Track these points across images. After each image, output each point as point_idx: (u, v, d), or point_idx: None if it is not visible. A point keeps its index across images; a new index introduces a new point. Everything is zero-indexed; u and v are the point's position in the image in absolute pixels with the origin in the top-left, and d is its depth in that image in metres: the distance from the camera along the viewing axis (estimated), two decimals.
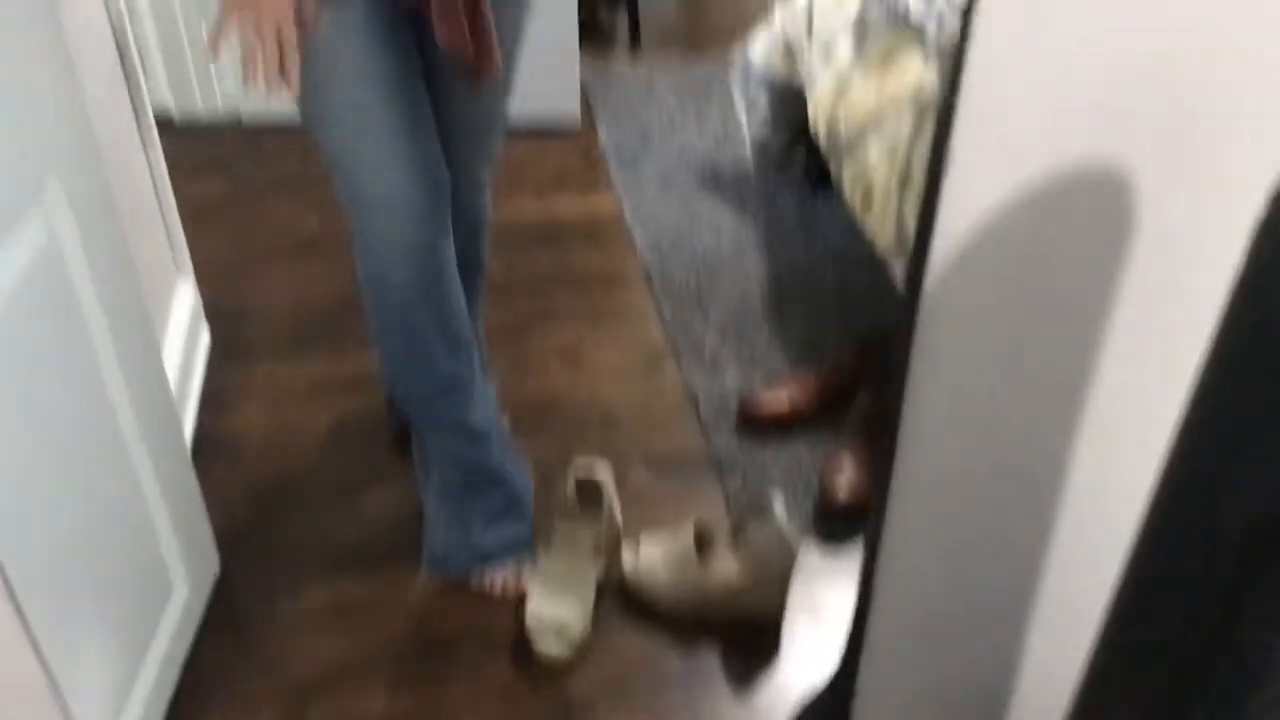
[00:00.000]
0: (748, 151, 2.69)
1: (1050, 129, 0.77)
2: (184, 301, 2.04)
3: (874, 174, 1.87)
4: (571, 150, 2.85)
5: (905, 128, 1.84)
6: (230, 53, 1.22)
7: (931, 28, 1.85)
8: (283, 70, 1.22)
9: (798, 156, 2.61)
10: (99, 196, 1.30)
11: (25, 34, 1.14)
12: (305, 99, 1.32)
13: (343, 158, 1.38)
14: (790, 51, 2.35)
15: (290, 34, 1.21)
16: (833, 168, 2.09)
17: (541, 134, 2.85)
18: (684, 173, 2.74)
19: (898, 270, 1.81)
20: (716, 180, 2.71)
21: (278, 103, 1.35)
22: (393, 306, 1.45)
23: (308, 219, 2.49)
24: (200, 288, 2.14)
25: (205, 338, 2.12)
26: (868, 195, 1.89)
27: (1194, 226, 0.72)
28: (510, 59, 1.46)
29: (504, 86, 1.50)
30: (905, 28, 1.93)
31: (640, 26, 3.34)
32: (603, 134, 2.90)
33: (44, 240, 1.16)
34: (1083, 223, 0.78)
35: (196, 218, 2.20)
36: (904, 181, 1.79)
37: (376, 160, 1.36)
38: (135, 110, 1.90)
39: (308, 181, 2.54)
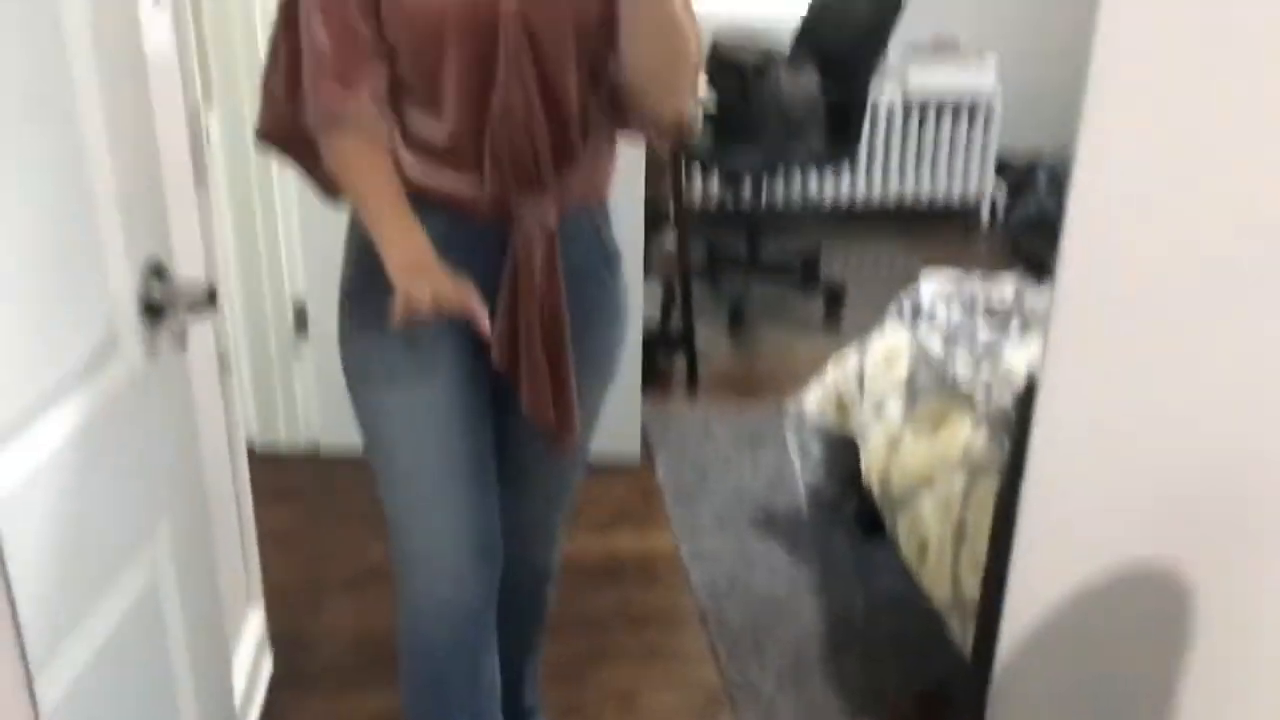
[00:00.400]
0: (801, 495, 2.77)
1: (1111, 523, 0.84)
2: (253, 629, 2.09)
3: (928, 529, 1.93)
4: (630, 487, 2.95)
5: (957, 486, 1.91)
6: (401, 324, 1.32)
7: (980, 395, 1.97)
8: (465, 308, 1.30)
9: (850, 504, 2.69)
10: (200, 537, 1.39)
11: (161, 377, 1.27)
12: (372, 450, 1.44)
13: (398, 514, 1.47)
14: (843, 404, 2.48)
15: (462, 290, 1.31)
16: (886, 518, 2.15)
17: (602, 470, 2.96)
18: (739, 513, 2.81)
19: (954, 624, 1.83)
20: (771, 522, 2.78)
21: (356, 436, 1.48)
22: (421, 664, 1.50)
23: (374, 548, 2.57)
24: (266, 614, 2.19)
25: (268, 666, 2.15)
26: (923, 549, 1.94)
27: (1254, 617, 0.76)
28: (589, 428, 1.57)
29: (580, 452, 1.60)
30: (954, 393, 2.05)
31: (698, 370, 3.53)
32: (661, 472, 3.01)
33: (144, 585, 1.23)
34: (1148, 613, 0.83)
35: (267, 545, 2.29)
36: (958, 538, 1.85)
37: (430, 527, 1.46)
38: (230, 440, 2.04)
39: (378, 510, 2.64)
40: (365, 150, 1.37)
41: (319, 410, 2.98)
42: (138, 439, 1.22)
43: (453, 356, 1.43)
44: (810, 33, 3.98)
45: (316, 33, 1.34)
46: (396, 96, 1.37)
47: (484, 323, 1.32)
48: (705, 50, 1.39)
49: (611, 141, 1.49)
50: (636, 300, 2.94)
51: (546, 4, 1.32)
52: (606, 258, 1.51)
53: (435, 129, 1.37)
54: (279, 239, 2.82)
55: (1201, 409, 0.90)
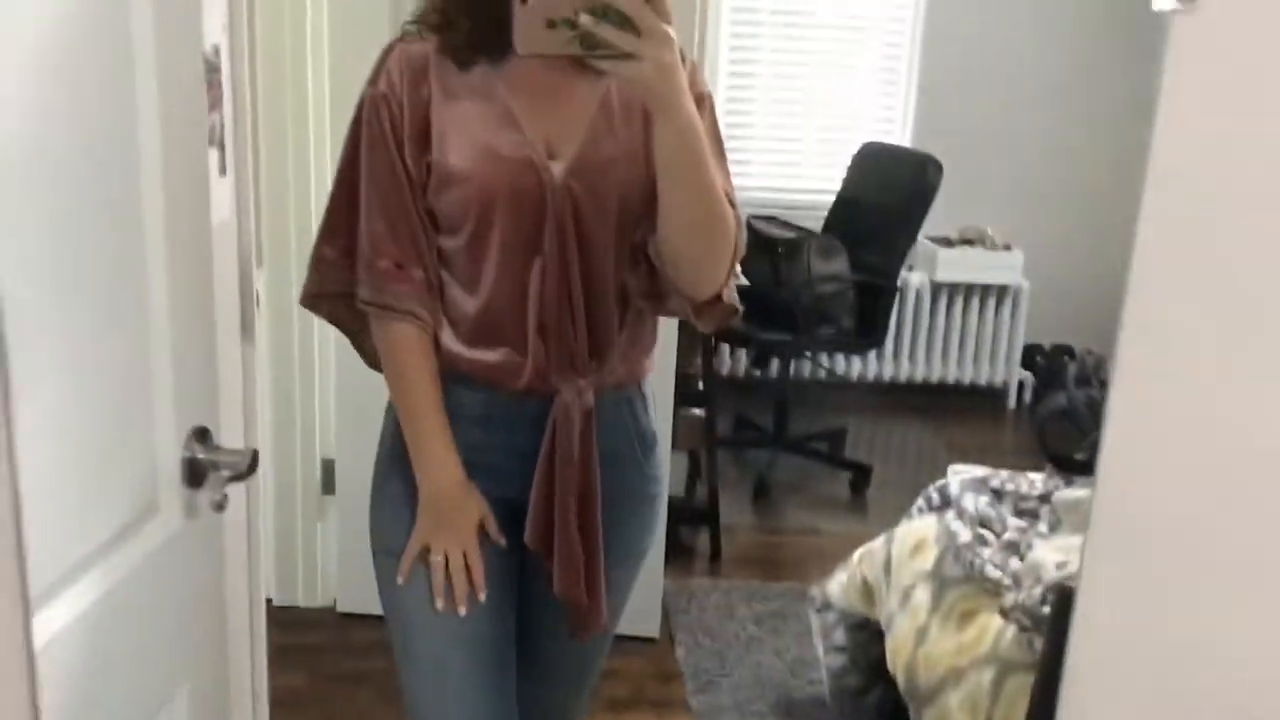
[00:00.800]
0: (824, 682, 2.71)
1: None
2: None
3: None
4: (649, 662, 2.90)
5: (986, 681, 1.87)
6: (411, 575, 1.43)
7: (1009, 589, 1.95)
8: (473, 585, 1.41)
9: (874, 693, 2.62)
10: (219, 703, 1.38)
11: (197, 539, 1.28)
12: (392, 624, 1.45)
13: (414, 694, 1.46)
14: (868, 590, 2.45)
15: (475, 555, 1.41)
16: (911, 711, 2.10)
17: (621, 644, 2.90)
18: (759, 698, 2.74)
19: None
20: (791, 708, 2.71)
21: (375, 600, 1.49)
22: None
23: (385, 714, 2.52)
24: None
25: None
26: None
27: None
28: (616, 613, 1.56)
29: (605, 639, 1.58)
30: (982, 586, 2.02)
31: (721, 545, 3.50)
32: (681, 650, 2.96)
33: None
34: None
35: (278, 708, 2.25)
36: None
37: (445, 713, 1.44)
38: (251, 599, 2.03)
39: (393, 676, 2.60)
40: (412, 338, 1.43)
41: (339, 569, 2.97)
42: (169, 600, 1.23)
43: (480, 538, 1.44)
44: (842, 217, 4.10)
45: (374, 216, 1.41)
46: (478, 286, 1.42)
47: (479, 575, 1.42)
48: (744, 234, 1.42)
49: (651, 325, 1.51)
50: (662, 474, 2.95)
51: (594, 175, 1.37)
52: (643, 442, 1.52)
53: (469, 304, 1.42)
54: (314, 397, 2.87)
55: (1247, 622, 0.89)
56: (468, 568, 1.41)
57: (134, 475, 1.15)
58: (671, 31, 1.19)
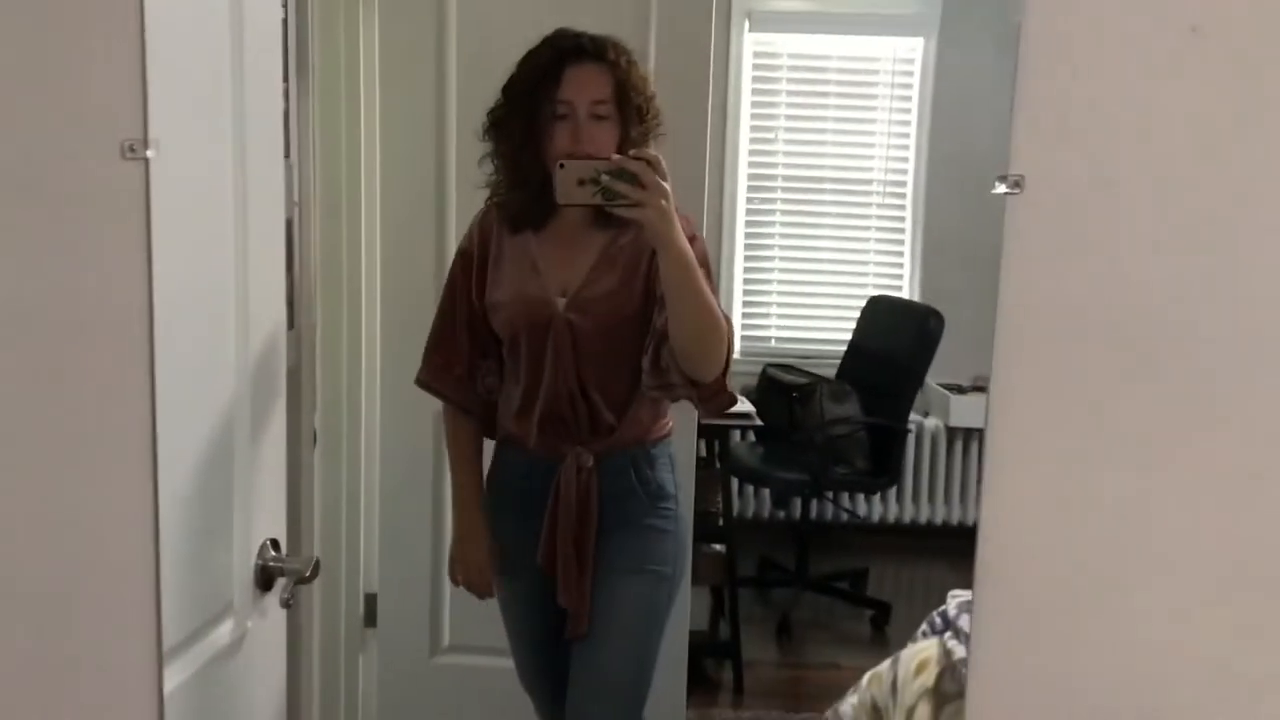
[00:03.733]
0: None
1: None
2: None
3: None
4: None
5: None
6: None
7: None
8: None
9: None
10: None
11: (262, 643, 1.49)
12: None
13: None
14: (877, 711, 2.58)
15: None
16: None
17: None
18: None
19: None
20: None
21: None
22: None
23: None
24: None
25: None
26: None
27: None
28: (634, 623, 2.00)
29: (623, 655, 2.01)
30: None
31: (743, 679, 3.62)
32: None
33: None
34: None
35: None
36: None
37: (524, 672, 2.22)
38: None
39: None
40: (451, 415, 2.14)
41: (379, 703, 3.11)
42: (234, 702, 1.42)
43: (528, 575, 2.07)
44: (853, 365, 4.34)
45: (437, 330, 2.09)
46: (504, 372, 2.06)
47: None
48: (735, 335, 1.98)
49: (654, 407, 2.02)
50: (684, 607, 3.11)
51: (589, 306, 1.93)
52: (648, 490, 2.01)
53: (513, 391, 2.03)
54: (360, 533, 3.07)
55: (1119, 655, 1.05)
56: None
57: (212, 581, 1.37)
58: (667, 186, 1.65)
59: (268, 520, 1.46)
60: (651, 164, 1.64)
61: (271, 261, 1.51)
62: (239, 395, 1.38)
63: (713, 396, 1.88)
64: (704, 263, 1.81)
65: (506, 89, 1.93)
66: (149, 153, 0.99)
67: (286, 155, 1.86)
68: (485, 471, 2.15)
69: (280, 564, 1.46)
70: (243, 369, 1.38)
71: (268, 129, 1.46)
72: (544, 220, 1.96)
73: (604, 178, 1.63)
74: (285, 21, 1.85)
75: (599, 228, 1.94)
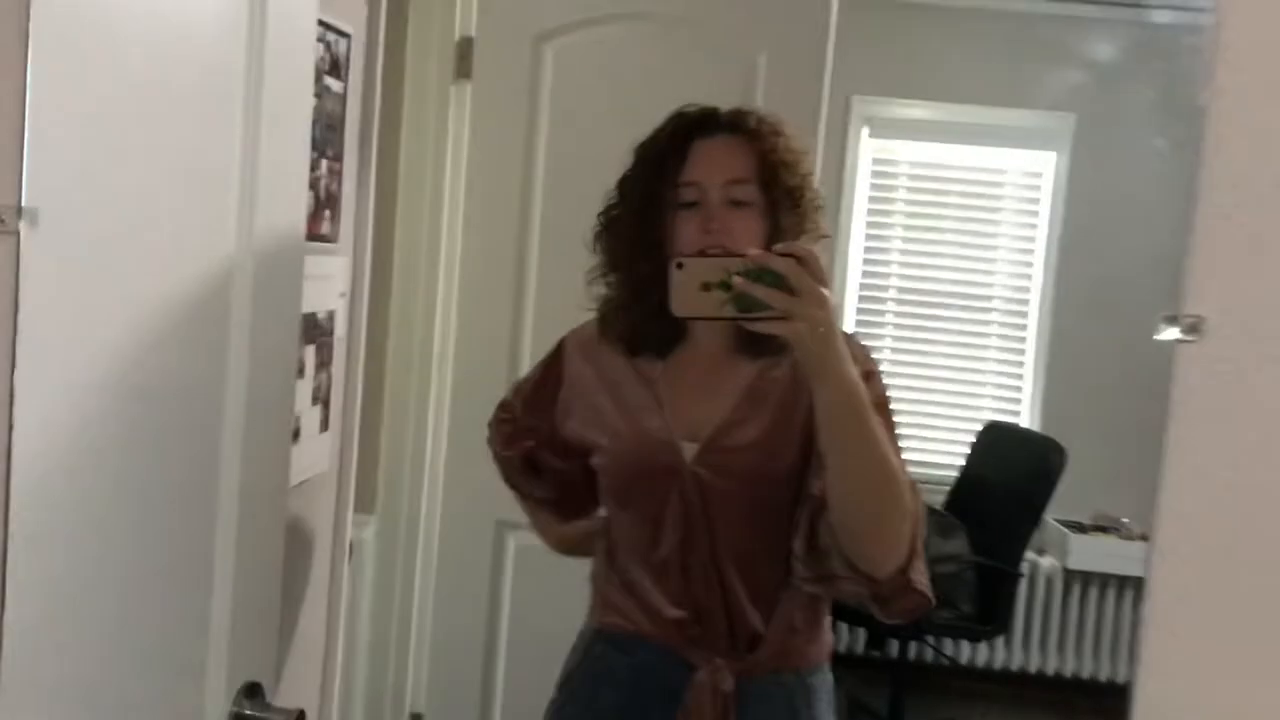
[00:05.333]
0: None
1: None
2: None
3: None
4: None
5: None
6: None
7: None
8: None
9: None
10: None
11: None
12: None
13: None
14: None
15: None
16: None
17: None
18: None
19: None
20: None
21: None
22: None
23: None
24: None
25: None
26: None
27: None
28: None
29: None
30: None
31: None
32: None
33: None
34: None
35: None
36: None
37: None
38: None
39: None
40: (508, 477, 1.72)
41: None
42: None
43: None
44: (963, 496, 4.01)
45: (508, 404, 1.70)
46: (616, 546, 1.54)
47: None
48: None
49: (812, 609, 1.48)
50: None
51: (728, 467, 1.43)
52: None
53: (627, 565, 1.50)
54: (409, 651, 2.86)
55: None
56: None
57: None
58: (827, 292, 1.19)
59: (248, 661, 1.25)
60: (804, 262, 1.19)
61: (281, 356, 1.32)
62: (222, 513, 1.19)
63: (894, 596, 1.34)
64: (882, 407, 1.35)
65: (622, 183, 1.51)
66: (20, 225, 0.79)
67: (332, 240, 1.70)
68: (566, 667, 1.61)
69: (260, 714, 1.25)
70: (229, 481, 1.19)
71: (285, 213, 1.29)
72: (670, 344, 1.49)
73: (736, 279, 1.19)
74: (344, 105, 1.71)
75: (746, 355, 1.47)
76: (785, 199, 1.43)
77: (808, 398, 1.32)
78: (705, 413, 1.45)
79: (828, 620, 1.51)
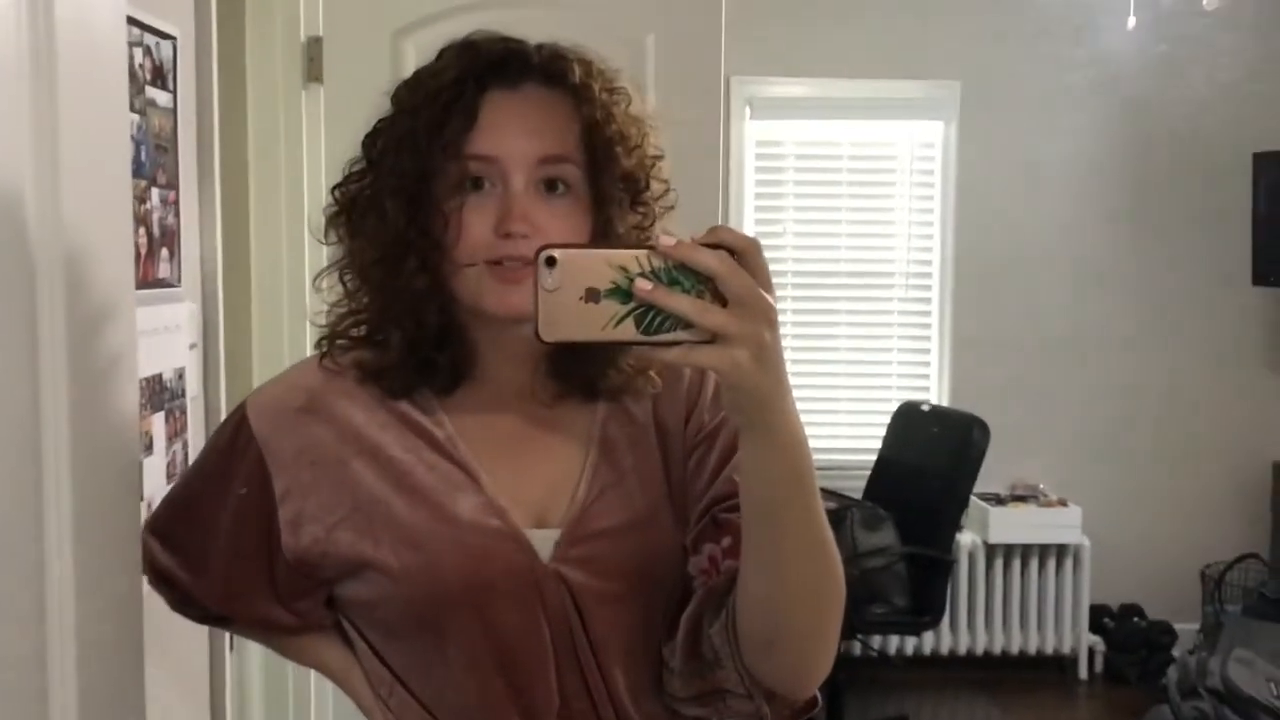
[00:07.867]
0: None
1: None
2: None
3: None
4: None
5: None
6: None
7: None
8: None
9: None
10: None
11: None
12: None
13: None
14: None
15: None
16: None
17: None
18: None
19: None
20: None
21: None
22: None
23: None
24: None
25: None
26: None
27: None
28: None
29: None
30: None
31: None
32: None
33: None
34: None
35: None
36: None
37: None
38: None
39: None
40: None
41: None
42: None
43: None
44: (884, 482, 3.87)
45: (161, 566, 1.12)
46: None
47: None
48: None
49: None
50: None
51: (604, 558, 1.01)
52: None
53: None
54: None
55: None
56: None
57: None
58: (773, 301, 0.80)
59: None
60: (742, 256, 0.79)
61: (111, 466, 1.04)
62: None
63: (795, 716, 1.01)
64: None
65: (371, 145, 1.04)
66: None
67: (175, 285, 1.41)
68: None
69: None
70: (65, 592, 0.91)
71: (103, 263, 1.01)
72: (456, 377, 1.02)
73: (640, 285, 0.78)
74: (175, 120, 1.42)
75: (565, 391, 1.04)
76: (621, 187, 1.00)
77: (669, 448, 1.01)
78: (543, 480, 1.03)
79: None
